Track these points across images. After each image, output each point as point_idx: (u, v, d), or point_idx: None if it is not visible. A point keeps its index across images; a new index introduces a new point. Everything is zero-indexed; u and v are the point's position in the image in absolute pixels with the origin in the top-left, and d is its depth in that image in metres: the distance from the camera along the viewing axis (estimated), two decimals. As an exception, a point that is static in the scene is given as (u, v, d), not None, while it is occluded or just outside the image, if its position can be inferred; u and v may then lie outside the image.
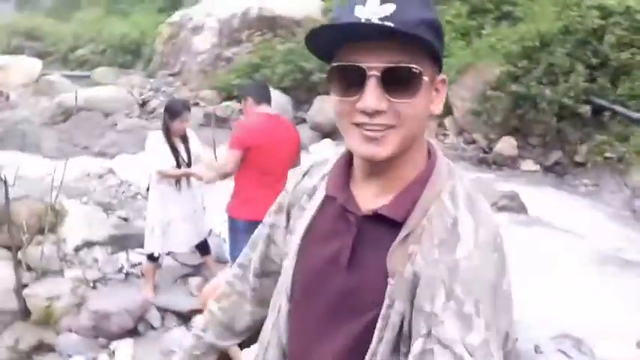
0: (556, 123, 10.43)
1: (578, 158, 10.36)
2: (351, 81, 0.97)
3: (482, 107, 11.01)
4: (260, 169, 4.00)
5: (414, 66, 0.96)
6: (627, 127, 9.86)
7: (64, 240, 5.06)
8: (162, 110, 4.96)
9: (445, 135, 11.92)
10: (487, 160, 10.92)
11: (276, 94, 11.88)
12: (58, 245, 4.93)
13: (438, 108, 1.05)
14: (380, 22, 0.93)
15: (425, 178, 1.05)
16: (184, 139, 4.68)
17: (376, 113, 0.96)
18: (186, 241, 4.80)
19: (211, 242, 5.14)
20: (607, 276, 6.28)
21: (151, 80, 15.50)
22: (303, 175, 1.26)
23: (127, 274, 4.96)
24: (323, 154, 1.28)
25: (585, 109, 10.11)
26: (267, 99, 4.19)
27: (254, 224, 4.43)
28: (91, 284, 4.71)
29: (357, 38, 0.96)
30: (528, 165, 10.66)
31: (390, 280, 0.98)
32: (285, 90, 12.57)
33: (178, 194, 4.67)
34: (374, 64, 0.95)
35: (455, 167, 1.09)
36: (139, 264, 5.05)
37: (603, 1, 10.37)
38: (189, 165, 4.66)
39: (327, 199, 1.15)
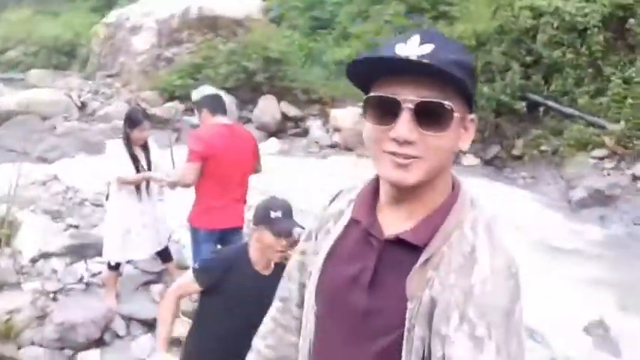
0: (494, 119, 10.86)
1: (515, 152, 10.83)
2: (387, 111, 1.04)
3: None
4: (219, 178, 4.05)
5: (446, 102, 1.03)
6: (560, 121, 10.40)
7: (19, 252, 4.92)
8: (102, 112, 4.88)
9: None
10: (430, 156, 11.25)
11: (217, 91, 11.88)
12: (14, 257, 4.80)
13: (465, 145, 1.11)
14: (418, 60, 1.01)
15: (448, 208, 1.10)
16: (145, 148, 4.64)
17: (406, 143, 1.02)
18: (146, 249, 4.77)
19: (172, 248, 5.12)
20: (548, 265, 6.60)
21: (90, 82, 15.05)
22: (331, 201, 1.32)
23: (88, 284, 4.88)
24: (353, 183, 1.33)
25: (521, 105, 10.58)
26: (222, 109, 4.26)
27: (215, 233, 4.48)
28: (52, 296, 4.61)
29: (395, 72, 1.04)
30: (469, 159, 11.05)
31: (409, 304, 1.04)
32: (229, 90, 12.50)
33: (138, 202, 4.63)
34: (409, 97, 1.02)
35: (477, 199, 1.15)
36: (99, 273, 4.97)
37: (534, 1, 10.87)
38: (149, 174, 4.63)
39: (352, 223, 1.20)
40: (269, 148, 10.93)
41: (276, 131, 12.23)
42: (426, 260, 1.05)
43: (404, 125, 1.02)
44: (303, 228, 2.81)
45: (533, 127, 10.66)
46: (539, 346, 3.83)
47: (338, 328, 1.17)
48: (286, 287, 1.44)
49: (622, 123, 9.37)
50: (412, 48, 1.03)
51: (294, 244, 2.57)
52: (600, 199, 8.91)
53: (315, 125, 12.41)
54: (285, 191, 7.90)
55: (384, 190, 1.15)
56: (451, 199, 1.12)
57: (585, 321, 4.41)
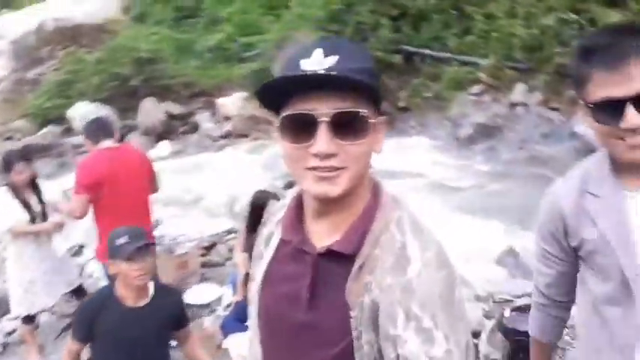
0: (375, 76, 11.13)
1: (401, 104, 11.17)
2: (303, 128, 1.04)
3: (306, 76, 11.38)
4: (113, 207, 3.82)
5: (362, 110, 1.05)
6: (437, 66, 10.81)
7: None
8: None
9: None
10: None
11: (96, 108, 11.34)
12: None
13: (379, 147, 1.12)
14: (327, 73, 1.02)
15: (372, 212, 1.12)
16: (34, 187, 4.35)
17: (328, 156, 1.03)
18: (56, 294, 4.52)
19: (88, 282, 4.91)
20: (449, 205, 6.93)
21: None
22: (262, 226, 1.33)
23: (6, 345, 4.59)
24: (277, 204, 1.34)
25: (397, 59, 10.89)
26: (104, 133, 3.99)
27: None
28: (-33, 367, 4.31)
29: (305, 89, 1.04)
30: (359, 119, 11.29)
31: (352, 313, 1.06)
32: (104, 101, 11.96)
33: (37, 249, 4.37)
34: (324, 111, 1.03)
35: (400, 198, 1.17)
36: (15, 331, 4.69)
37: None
38: (44, 216, 4.37)
39: (283, 243, 1.20)
40: (160, 152, 10.62)
41: (164, 133, 11.86)
42: (360, 267, 1.07)
43: (323, 139, 1.03)
44: (154, 244, 2.80)
45: (413, 77, 11.02)
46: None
47: (286, 351, 1.18)
48: (250, 312, 1.43)
49: (491, 57, 9.88)
50: (317, 61, 1.04)
51: (148, 262, 2.58)
52: (485, 132, 9.43)
53: (203, 118, 12.16)
54: (183, 194, 7.82)
55: (309, 205, 1.16)
56: (374, 202, 1.14)
57: (496, 253, 4.67)
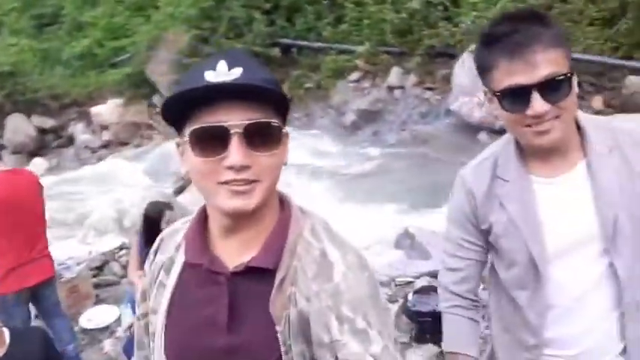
0: (254, 71, 11.07)
1: (284, 96, 11.20)
2: (214, 141, 1.00)
3: (185, 76, 11.09)
4: (6, 234, 3.56)
5: (274, 120, 1.02)
6: (314, 57, 10.95)
7: None
8: None
9: (159, 114, 11.77)
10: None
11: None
12: None
13: (287, 158, 1.10)
14: (235, 82, 0.98)
15: (285, 224, 1.09)
16: None
17: (242, 168, 1.00)
18: None
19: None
20: (342, 191, 7.07)
21: None
22: (155, 253, 1.24)
23: None
24: (172, 227, 1.26)
25: (275, 52, 10.89)
26: None
27: (23, 294, 3.99)
28: None
29: (213, 100, 0.99)
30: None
31: (278, 328, 1.03)
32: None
33: None
34: (235, 122, 0.99)
35: (307, 208, 1.16)
36: None
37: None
38: None
39: (188, 267, 1.14)
40: (34, 170, 9.90)
41: (36, 149, 11.14)
42: (282, 279, 1.04)
43: (237, 151, 0.99)
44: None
45: (292, 69, 11.06)
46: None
47: None
48: (139, 356, 1.32)
49: (366, 43, 10.14)
50: (223, 73, 1.00)
51: None
52: (368, 117, 9.69)
53: (78, 130, 11.53)
54: (66, 213, 7.33)
55: (217, 223, 1.10)
56: (285, 214, 1.12)
57: (392, 237, 4.81)
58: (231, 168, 1.00)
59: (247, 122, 1.00)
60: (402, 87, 9.67)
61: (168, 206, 4.30)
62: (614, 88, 7.61)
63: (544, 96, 1.29)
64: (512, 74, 1.31)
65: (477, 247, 1.55)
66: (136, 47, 11.90)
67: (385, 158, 8.26)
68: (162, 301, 1.16)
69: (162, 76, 11.44)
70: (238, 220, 1.07)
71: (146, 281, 1.24)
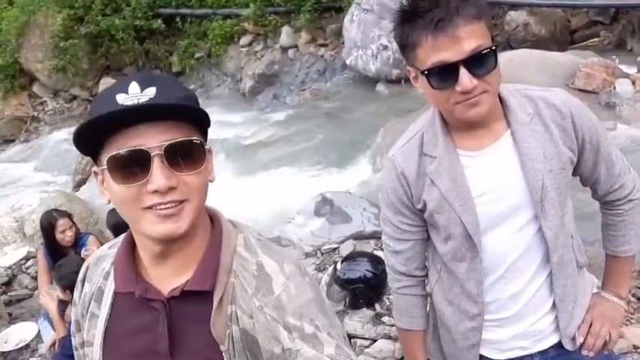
0: (140, 46, 10.57)
1: (175, 69, 10.80)
2: (134, 166, 0.96)
3: (65, 60, 10.40)
4: None
5: (195, 138, 0.99)
6: (200, 24, 10.56)
7: None
8: None
9: (43, 103, 11.04)
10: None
11: None
12: None
13: (213, 176, 1.07)
14: (150, 103, 0.95)
15: (218, 241, 1.07)
16: None
17: (168, 191, 0.96)
18: None
19: None
20: (254, 162, 6.94)
21: None
22: (83, 282, 1.18)
23: None
24: (97, 252, 1.20)
25: (157, 23, 10.42)
26: None
27: None
28: None
29: (128, 124, 0.95)
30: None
31: (222, 347, 1.01)
32: None
33: None
34: (155, 145, 0.95)
35: (238, 222, 1.14)
36: None
37: None
38: None
39: (120, 297, 1.10)
40: None
41: None
42: (220, 299, 1.02)
43: (159, 173, 0.96)
44: None
45: (179, 40, 10.67)
46: (289, 249, 4.11)
47: None
48: None
49: (251, 5, 9.88)
50: (136, 95, 0.96)
51: None
52: (266, 80, 9.55)
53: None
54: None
55: (146, 249, 1.06)
56: (216, 230, 1.09)
57: (312, 204, 4.79)
58: (155, 192, 0.96)
59: (167, 143, 0.96)
60: (295, 46, 9.57)
61: (61, 213, 4.14)
62: (495, 25, 7.91)
63: (471, 71, 1.27)
64: (437, 51, 1.28)
65: (416, 227, 1.56)
66: (4, 35, 10.97)
67: (289, 121, 8.19)
68: (95, 333, 1.12)
69: (40, 62, 10.67)
70: (169, 245, 1.03)
71: (77, 311, 1.19)
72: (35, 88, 11.10)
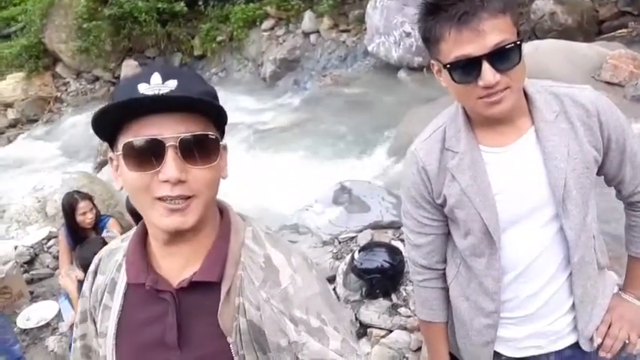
0: (162, 29, 10.59)
1: (197, 52, 10.82)
2: (149, 154, 0.97)
3: (88, 42, 10.47)
4: None
5: (211, 133, 0.99)
6: (222, 8, 10.54)
7: None
8: None
9: (66, 84, 11.14)
10: (121, 91, 10.71)
11: None
12: None
13: (226, 172, 1.07)
14: (171, 94, 0.95)
15: (226, 234, 1.08)
16: None
17: (178, 183, 0.97)
18: None
19: None
20: (274, 147, 6.96)
21: None
22: (95, 274, 1.20)
23: None
24: (110, 245, 1.21)
25: (180, 6, 10.43)
26: None
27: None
28: None
29: (147, 113, 0.96)
30: (159, 78, 10.76)
31: (229, 339, 1.02)
32: None
33: None
34: (171, 135, 0.96)
35: (247, 215, 1.15)
36: None
37: None
38: None
39: (132, 288, 1.11)
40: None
41: None
42: (228, 290, 1.03)
43: (172, 165, 0.96)
44: None
45: (201, 23, 10.66)
46: (304, 238, 4.11)
47: None
48: None
49: (274, -10, 9.85)
50: (157, 85, 0.97)
51: None
52: (287, 65, 9.53)
53: (-24, 112, 10.72)
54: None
55: (158, 240, 1.07)
56: (225, 223, 1.10)
57: (330, 193, 4.78)
58: (166, 182, 0.97)
59: (183, 135, 0.97)
60: (317, 32, 9.52)
61: (82, 195, 4.18)
62: (521, 14, 7.78)
63: (494, 65, 1.25)
64: (460, 45, 1.26)
65: (437, 222, 1.55)
66: (29, 16, 11.05)
67: (309, 107, 8.17)
68: (109, 325, 1.13)
69: (65, 44, 10.75)
70: (177, 237, 1.04)
71: (87, 303, 1.20)
72: (58, 69, 11.20)
